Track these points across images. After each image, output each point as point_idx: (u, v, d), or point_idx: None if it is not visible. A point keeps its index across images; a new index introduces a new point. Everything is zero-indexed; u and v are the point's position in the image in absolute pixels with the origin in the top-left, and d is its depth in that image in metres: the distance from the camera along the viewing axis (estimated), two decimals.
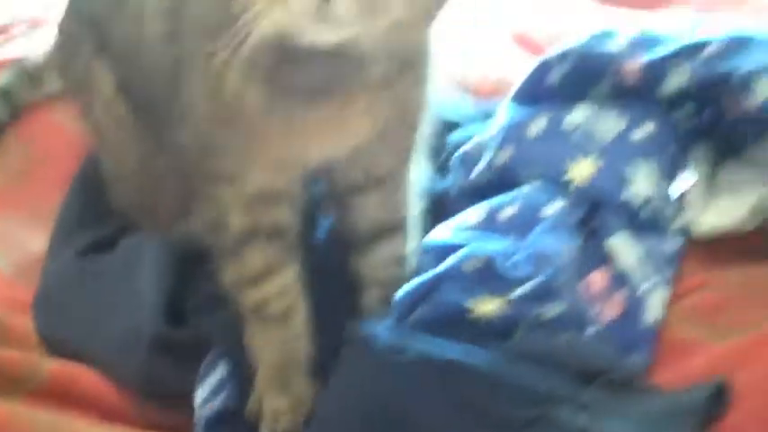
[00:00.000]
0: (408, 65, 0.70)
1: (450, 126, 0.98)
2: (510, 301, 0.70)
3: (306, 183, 0.78)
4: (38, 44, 1.23)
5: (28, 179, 1.05)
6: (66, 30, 0.98)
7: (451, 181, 0.90)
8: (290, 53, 0.65)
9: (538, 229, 0.75)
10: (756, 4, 1.20)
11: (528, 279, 0.71)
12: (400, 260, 0.80)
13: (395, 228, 0.80)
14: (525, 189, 0.80)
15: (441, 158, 0.94)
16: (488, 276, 0.72)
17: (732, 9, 1.18)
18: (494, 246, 0.74)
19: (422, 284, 0.73)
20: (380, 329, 0.70)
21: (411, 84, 0.72)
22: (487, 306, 0.70)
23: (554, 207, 0.77)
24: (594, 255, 0.77)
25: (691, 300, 0.76)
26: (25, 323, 0.86)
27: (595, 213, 0.79)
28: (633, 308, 0.74)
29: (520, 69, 0.99)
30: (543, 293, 0.71)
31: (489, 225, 0.78)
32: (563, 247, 0.74)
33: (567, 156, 0.81)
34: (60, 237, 0.94)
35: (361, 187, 0.79)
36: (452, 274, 0.73)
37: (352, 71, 0.67)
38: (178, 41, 0.75)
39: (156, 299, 0.81)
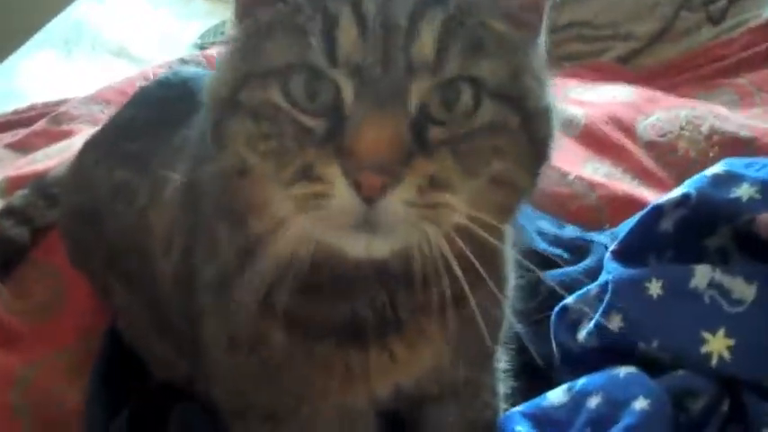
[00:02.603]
0: (481, 276, 0.49)
1: (543, 260, 0.84)
2: None
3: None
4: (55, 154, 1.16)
5: (52, 316, 0.93)
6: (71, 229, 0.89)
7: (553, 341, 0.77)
8: (323, 279, 0.51)
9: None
10: None
11: None
12: None
13: None
14: (620, 373, 0.66)
15: (534, 302, 0.78)
16: None
17: None
18: None
19: None
20: None
21: (488, 295, 0.52)
22: None
23: (643, 403, 0.62)
24: None
25: None
26: None
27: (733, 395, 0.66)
28: None
29: None
30: None
31: (573, 414, 0.65)
32: None
33: (701, 325, 0.66)
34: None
35: (436, 398, 0.66)
36: None
37: (405, 296, 0.53)
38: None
39: None
